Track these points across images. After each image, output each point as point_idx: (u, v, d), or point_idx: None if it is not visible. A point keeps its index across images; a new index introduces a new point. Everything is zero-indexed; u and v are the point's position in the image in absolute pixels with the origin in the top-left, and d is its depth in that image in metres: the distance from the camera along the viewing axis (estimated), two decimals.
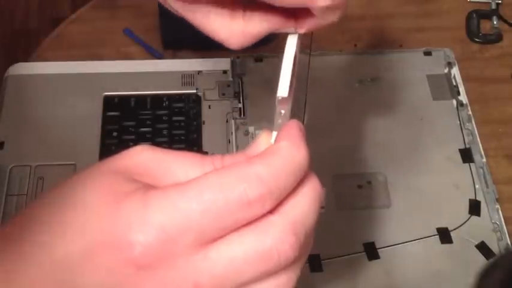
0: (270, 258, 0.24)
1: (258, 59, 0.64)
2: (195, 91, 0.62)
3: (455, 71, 0.64)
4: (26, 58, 0.65)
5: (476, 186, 0.57)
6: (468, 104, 0.62)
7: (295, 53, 0.32)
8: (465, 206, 0.56)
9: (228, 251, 0.24)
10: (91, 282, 0.25)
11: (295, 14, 0.33)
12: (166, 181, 0.26)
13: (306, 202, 0.26)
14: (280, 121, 0.30)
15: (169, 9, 0.35)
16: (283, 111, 0.30)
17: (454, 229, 0.55)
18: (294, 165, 0.26)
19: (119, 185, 0.25)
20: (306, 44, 0.40)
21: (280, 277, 0.26)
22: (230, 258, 0.24)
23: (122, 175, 0.26)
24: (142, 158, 0.27)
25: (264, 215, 0.25)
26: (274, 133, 0.29)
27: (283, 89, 0.31)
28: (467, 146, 0.60)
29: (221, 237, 0.25)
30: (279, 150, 0.26)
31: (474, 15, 0.70)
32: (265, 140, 0.29)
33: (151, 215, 0.24)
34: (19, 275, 0.25)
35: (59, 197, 0.26)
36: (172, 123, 0.59)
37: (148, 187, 0.25)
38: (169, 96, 0.61)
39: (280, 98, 0.30)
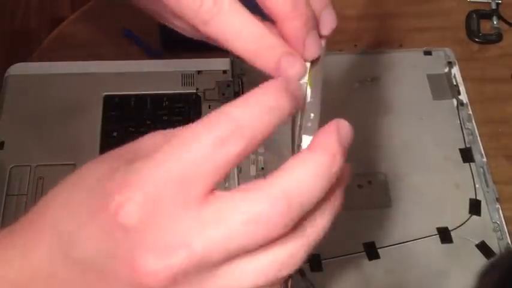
0: (259, 222, 0.24)
1: None
2: (195, 91, 0.62)
3: (455, 71, 0.64)
4: (26, 58, 0.65)
5: (477, 185, 0.57)
6: (468, 104, 0.62)
7: (321, 54, 0.32)
8: (465, 206, 0.56)
9: (218, 212, 0.24)
10: (88, 253, 0.25)
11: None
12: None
13: (303, 173, 0.25)
14: (309, 124, 0.30)
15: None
16: (312, 115, 0.30)
17: (454, 229, 0.55)
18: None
19: (112, 163, 0.27)
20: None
21: (273, 253, 0.25)
22: (221, 219, 0.24)
23: (116, 157, 0.28)
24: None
25: (257, 182, 0.25)
26: (305, 137, 0.29)
27: (311, 92, 0.31)
28: (468, 145, 0.60)
29: (210, 193, 0.25)
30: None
31: (474, 15, 0.70)
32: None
33: (132, 176, 0.25)
34: (36, 248, 0.27)
35: (66, 181, 0.28)
36: (172, 123, 0.59)
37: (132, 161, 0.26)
38: (169, 96, 0.61)
39: (308, 101, 0.30)
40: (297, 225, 0.25)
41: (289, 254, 0.26)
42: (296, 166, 0.25)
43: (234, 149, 0.25)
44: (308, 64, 0.32)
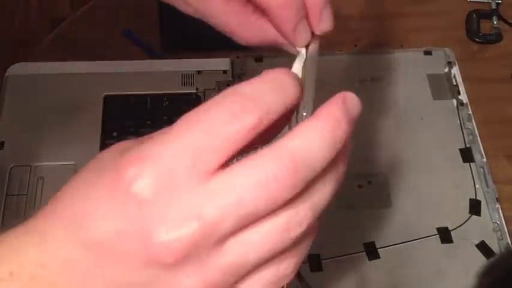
0: (266, 183, 0.24)
1: (258, 59, 0.64)
2: (195, 91, 0.62)
3: (455, 71, 0.64)
4: (26, 58, 0.65)
5: (477, 185, 0.57)
6: (468, 104, 0.62)
7: (314, 53, 0.32)
8: (465, 206, 0.56)
9: (228, 180, 0.24)
10: (102, 234, 0.25)
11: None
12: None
13: (308, 136, 0.25)
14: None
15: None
16: (304, 114, 0.31)
17: (455, 229, 0.55)
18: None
19: (124, 146, 0.27)
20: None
21: (277, 216, 0.25)
22: (230, 185, 0.24)
23: (127, 142, 0.28)
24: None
25: (264, 148, 0.25)
26: None
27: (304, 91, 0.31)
28: (468, 145, 0.60)
29: (223, 167, 0.25)
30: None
31: (474, 15, 0.70)
32: None
33: (146, 151, 0.25)
34: (51, 235, 0.27)
35: (80, 171, 0.28)
36: (172, 124, 0.59)
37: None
38: (169, 96, 0.61)
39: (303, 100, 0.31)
40: (303, 191, 0.25)
41: (294, 216, 0.26)
42: (301, 131, 0.25)
43: (246, 122, 0.25)
44: (302, 62, 0.32)
